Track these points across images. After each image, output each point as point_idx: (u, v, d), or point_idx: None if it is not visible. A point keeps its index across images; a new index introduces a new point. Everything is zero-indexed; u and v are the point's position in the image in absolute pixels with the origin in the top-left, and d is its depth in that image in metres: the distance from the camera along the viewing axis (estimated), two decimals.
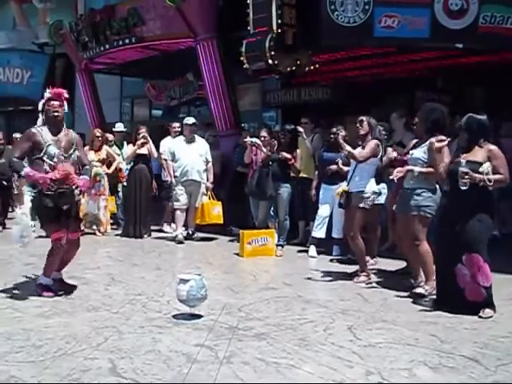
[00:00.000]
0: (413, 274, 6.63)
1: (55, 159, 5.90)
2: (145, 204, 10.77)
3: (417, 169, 6.18)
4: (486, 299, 5.58)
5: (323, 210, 8.76)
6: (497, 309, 5.60)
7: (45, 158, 5.89)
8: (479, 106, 10.22)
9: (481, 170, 5.50)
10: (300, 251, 9.18)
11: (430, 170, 6.11)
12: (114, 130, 12.04)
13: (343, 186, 8.09)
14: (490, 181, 5.48)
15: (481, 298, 5.57)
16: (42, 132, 5.97)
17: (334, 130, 8.56)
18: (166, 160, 10.49)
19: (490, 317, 5.47)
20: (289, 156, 8.95)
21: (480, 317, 5.46)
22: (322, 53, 11.68)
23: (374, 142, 7.00)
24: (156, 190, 11.30)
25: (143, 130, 10.73)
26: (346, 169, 7.54)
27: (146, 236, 10.65)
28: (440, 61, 11.30)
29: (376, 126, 7.20)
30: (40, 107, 6.17)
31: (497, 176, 5.55)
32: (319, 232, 8.81)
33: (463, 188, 5.47)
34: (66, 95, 6.17)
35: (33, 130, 6.00)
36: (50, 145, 5.92)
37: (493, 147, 5.70)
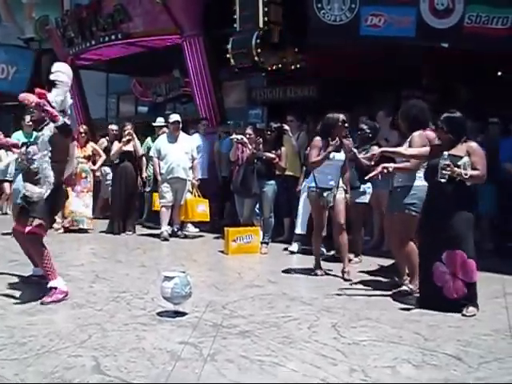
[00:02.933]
0: (398, 272, 6.65)
1: None
2: (129, 201, 10.75)
3: (391, 164, 6.14)
4: (467, 295, 5.59)
5: (306, 207, 8.79)
6: (480, 307, 5.63)
7: None
8: (465, 103, 10.32)
9: (459, 162, 5.53)
10: (285, 249, 9.18)
11: (406, 164, 6.10)
12: (153, 124, 11.91)
13: None
14: (466, 175, 5.52)
15: (461, 294, 5.59)
16: None
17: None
18: (152, 158, 10.50)
19: (474, 315, 5.50)
20: (273, 156, 8.95)
21: (463, 315, 5.49)
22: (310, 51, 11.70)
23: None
24: (141, 187, 11.28)
25: (129, 127, 10.71)
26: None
27: (130, 233, 10.63)
28: (425, 58, 11.35)
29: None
30: None
31: (474, 172, 5.58)
32: (300, 228, 8.88)
33: (442, 180, 5.50)
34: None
35: None
36: None
37: (473, 144, 5.74)
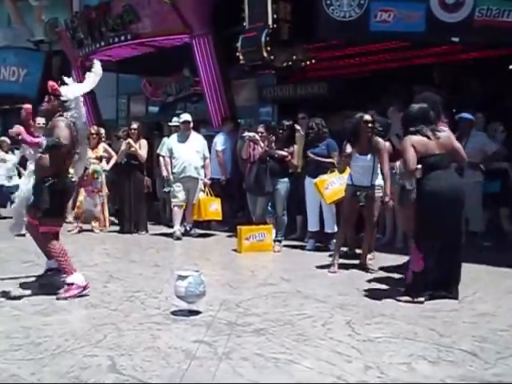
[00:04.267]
0: None
1: None
2: (138, 201, 10.74)
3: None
4: (409, 284, 5.85)
5: (312, 203, 8.83)
6: (496, 302, 5.64)
7: None
8: (476, 98, 10.27)
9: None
10: (298, 246, 9.18)
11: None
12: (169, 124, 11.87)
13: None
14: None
15: (408, 280, 5.91)
16: None
17: (312, 124, 8.68)
18: (163, 157, 10.50)
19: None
20: (285, 153, 8.95)
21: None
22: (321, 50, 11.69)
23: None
24: (149, 188, 11.25)
25: (134, 126, 10.71)
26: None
27: (143, 233, 10.65)
28: (437, 54, 11.31)
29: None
30: None
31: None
32: (313, 225, 8.93)
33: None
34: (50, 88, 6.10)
35: None
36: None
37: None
